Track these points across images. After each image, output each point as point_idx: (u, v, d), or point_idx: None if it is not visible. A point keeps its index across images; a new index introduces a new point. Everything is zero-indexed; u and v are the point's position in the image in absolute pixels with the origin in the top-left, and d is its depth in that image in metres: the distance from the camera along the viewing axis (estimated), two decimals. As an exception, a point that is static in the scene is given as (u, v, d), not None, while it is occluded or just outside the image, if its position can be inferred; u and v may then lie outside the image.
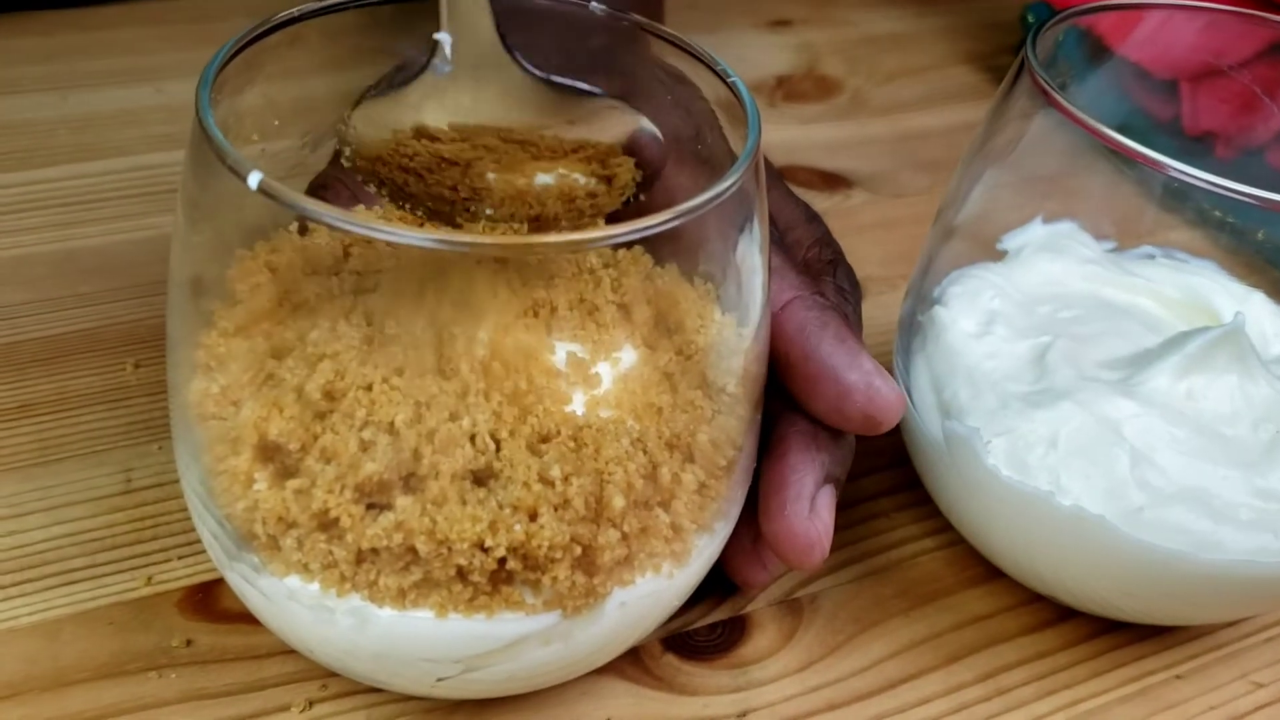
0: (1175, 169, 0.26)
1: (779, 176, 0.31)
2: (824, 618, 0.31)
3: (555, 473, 0.22)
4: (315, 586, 0.22)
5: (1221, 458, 0.28)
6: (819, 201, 0.47)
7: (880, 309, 0.39)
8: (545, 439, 0.22)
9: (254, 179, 0.20)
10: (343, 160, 0.25)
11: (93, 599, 0.29)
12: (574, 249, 0.23)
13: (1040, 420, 0.28)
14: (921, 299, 0.33)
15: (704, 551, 0.25)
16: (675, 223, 0.21)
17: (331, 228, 0.20)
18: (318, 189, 0.28)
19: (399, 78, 0.30)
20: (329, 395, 0.22)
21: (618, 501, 0.22)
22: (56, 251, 0.40)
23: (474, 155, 0.24)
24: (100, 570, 0.29)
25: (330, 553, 0.22)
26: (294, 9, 0.24)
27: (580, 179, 0.24)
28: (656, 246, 0.25)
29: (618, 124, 0.26)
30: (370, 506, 0.21)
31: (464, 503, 0.21)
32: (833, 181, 0.49)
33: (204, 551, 0.27)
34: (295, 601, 0.22)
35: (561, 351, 0.23)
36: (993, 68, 0.59)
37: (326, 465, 0.21)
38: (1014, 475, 0.28)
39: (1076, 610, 0.32)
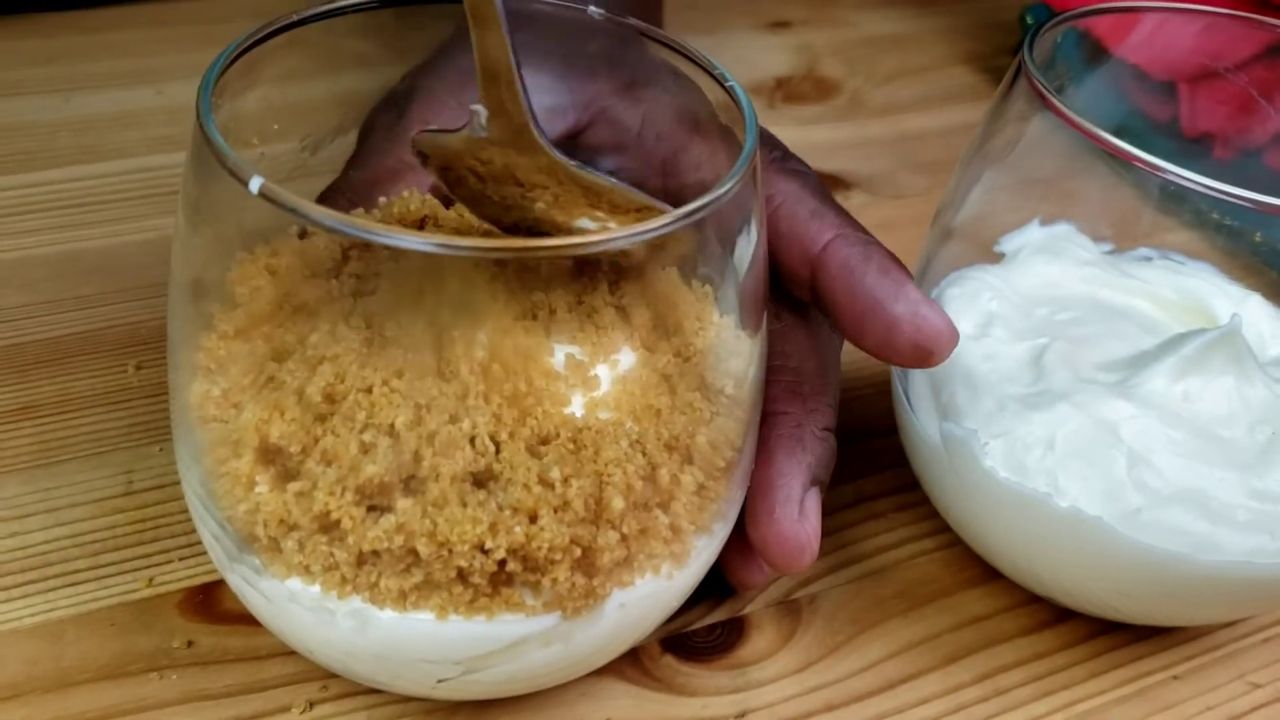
0: (1171, 172, 0.26)
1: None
2: (822, 619, 0.31)
3: (555, 475, 0.22)
4: (316, 588, 0.22)
5: (1218, 459, 0.28)
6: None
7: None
8: (544, 441, 0.22)
9: (255, 183, 0.20)
10: (414, 145, 0.25)
11: (94, 600, 0.29)
12: (572, 253, 0.23)
13: (1038, 422, 0.28)
14: (920, 301, 0.33)
15: (703, 552, 0.25)
16: (673, 227, 0.21)
17: (328, 231, 0.20)
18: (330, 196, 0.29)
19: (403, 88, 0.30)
20: (329, 398, 0.22)
21: (617, 503, 0.22)
22: (58, 253, 0.40)
23: (538, 180, 0.24)
24: (102, 572, 0.30)
25: (331, 555, 0.22)
26: (294, 13, 0.24)
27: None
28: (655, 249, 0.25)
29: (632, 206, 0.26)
30: (371, 509, 0.22)
31: (464, 505, 0.21)
32: (831, 183, 0.49)
33: (205, 553, 0.27)
34: (296, 603, 0.23)
35: (560, 354, 0.23)
36: (991, 69, 0.59)
37: (327, 468, 0.22)
38: (1012, 477, 0.28)
39: (1074, 611, 0.32)
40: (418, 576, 0.22)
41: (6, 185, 0.43)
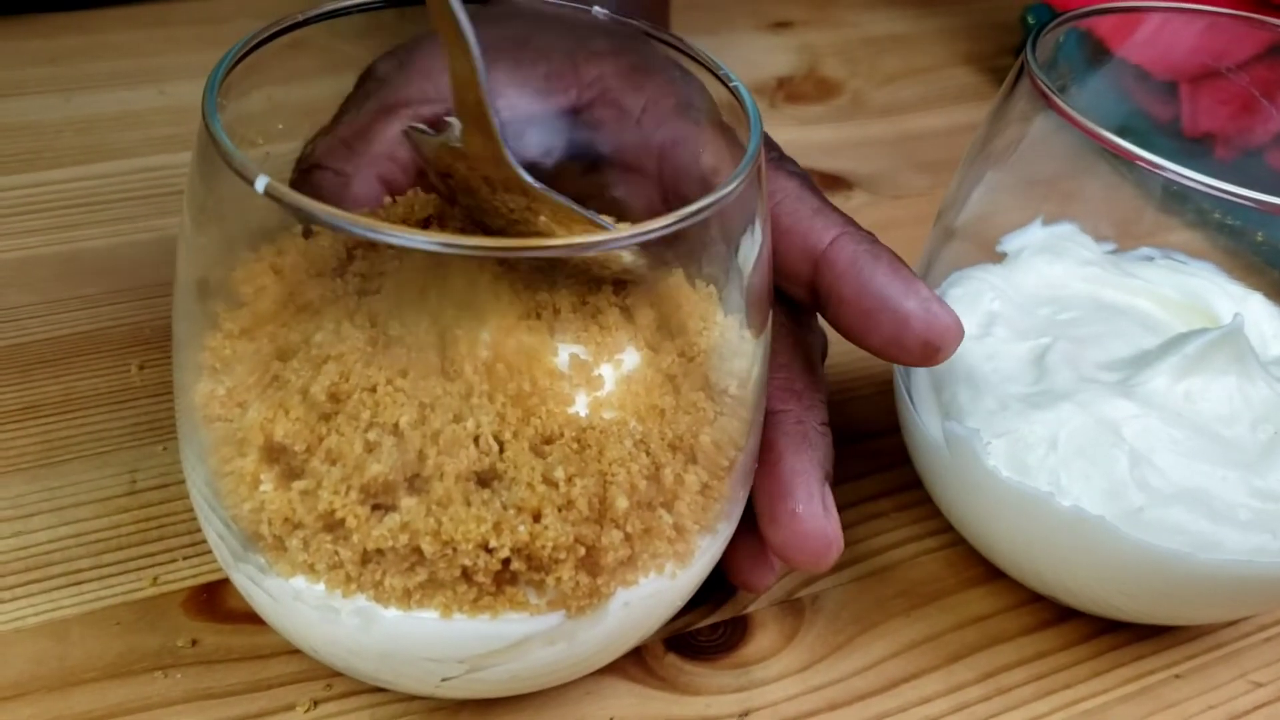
0: (1173, 172, 0.26)
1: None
2: (825, 618, 0.31)
3: (559, 474, 0.22)
4: (321, 587, 0.22)
5: (1220, 458, 0.28)
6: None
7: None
8: (548, 440, 0.22)
9: (260, 183, 0.20)
10: (421, 148, 0.25)
11: (99, 599, 0.29)
12: (577, 253, 0.23)
13: (1040, 421, 0.28)
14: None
15: (707, 551, 0.25)
16: (677, 226, 0.21)
17: (331, 229, 0.20)
18: (309, 169, 0.29)
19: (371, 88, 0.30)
20: (334, 397, 0.22)
21: (621, 502, 0.22)
22: (61, 253, 0.40)
23: (543, 194, 0.24)
24: (106, 571, 0.30)
25: (336, 553, 0.22)
26: (299, 13, 0.25)
27: (627, 255, 0.24)
28: (659, 249, 0.25)
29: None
30: (376, 507, 0.22)
31: (468, 504, 0.22)
32: (833, 183, 0.49)
33: (209, 552, 0.28)
34: (301, 602, 0.23)
35: (564, 353, 0.23)
36: (993, 69, 0.59)
37: (332, 466, 0.22)
38: (1014, 476, 0.28)
39: (1076, 610, 0.32)
40: (422, 575, 0.22)
41: (9, 185, 0.43)
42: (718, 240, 0.23)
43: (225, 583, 0.29)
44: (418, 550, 0.22)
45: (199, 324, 0.23)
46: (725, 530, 0.26)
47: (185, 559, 0.30)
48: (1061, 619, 0.32)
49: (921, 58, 0.60)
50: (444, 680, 0.24)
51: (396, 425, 0.22)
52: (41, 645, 0.28)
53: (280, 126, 0.26)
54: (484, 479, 0.22)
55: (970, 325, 0.31)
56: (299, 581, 0.22)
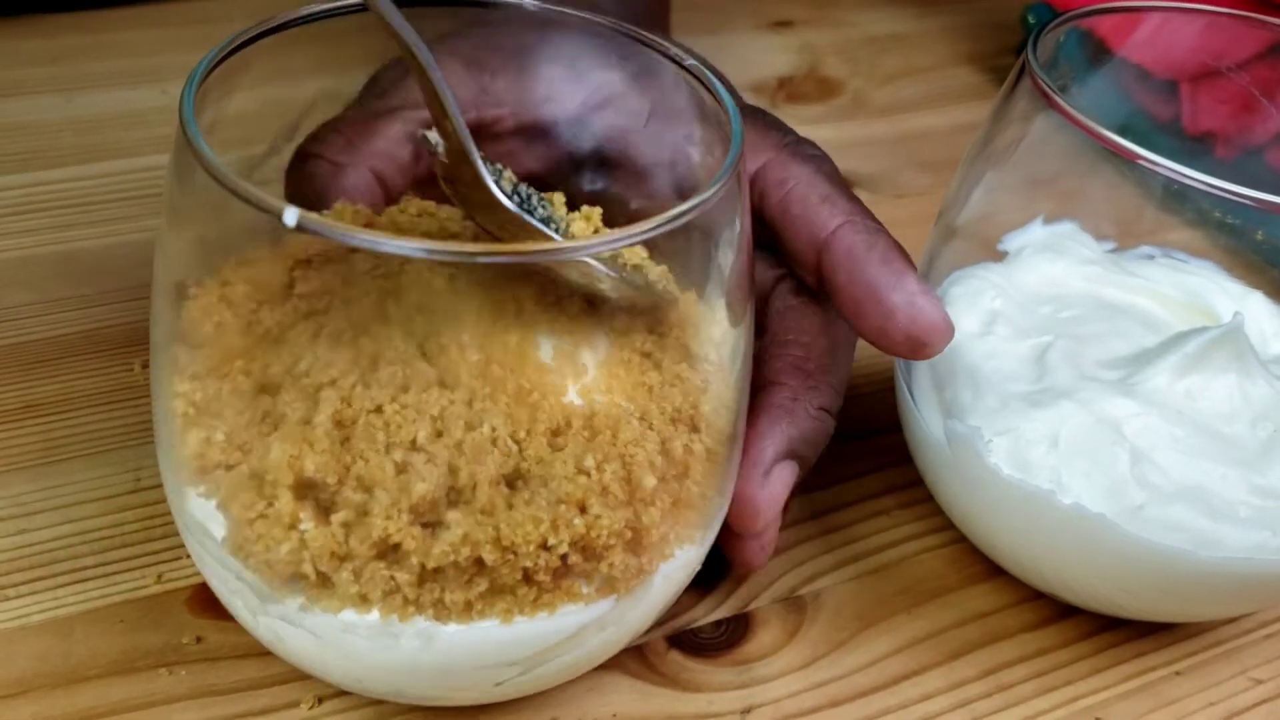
0: (1173, 170, 0.27)
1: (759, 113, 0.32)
2: (827, 615, 0.31)
3: (589, 463, 0.22)
4: (374, 616, 0.22)
5: (1220, 456, 0.28)
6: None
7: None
8: (557, 433, 0.22)
9: (290, 216, 0.19)
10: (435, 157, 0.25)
11: (103, 597, 0.29)
12: (562, 257, 0.22)
13: (1041, 419, 0.28)
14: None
15: (720, 514, 0.26)
16: (657, 231, 0.21)
17: (376, 253, 0.20)
18: (305, 157, 0.28)
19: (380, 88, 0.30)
20: (340, 424, 0.22)
21: (648, 481, 0.22)
22: (61, 253, 0.40)
23: (516, 215, 0.24)
24: (110, 569, 0.30)
25: (392, 578, 0.21)
26: (279, 15, 0.24)
27: (604, 281, 0.24)
28: (636, 250, 0.26)
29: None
30: (424, 526, 0.21)
31: (510, 507, 0.22)
32: (834, 182, 0.49)
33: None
34: (352, 634, 0.22)
35: (546, 346, 0.23)
36: (994, 68, 0.59)
37: (367, 494, 0.21)
38: (1015, 474, 0.28)
39: (1077, 607, 0.32)
40: (482, 585, 0.22)
41: (10, 185, 0.43)
42: (697, 243, 0.23)
43: (228, 580, 0.29)
44: (478, 561, 0.21)
45: (167, 368, 0.23)
46: (730, 493, 0.26)
47: (189, 556, 0.30)
48: (1062, 616, 0.32)
49: (922, 57, 0.60)
50: (497, 685, 0.24)
51: (414, 442, 0.21)
52: (45, 643, 0.28)
53: (261, 128, 0.26)
54: (510, 480, 0.22)
55: (971, 324, 0.31)
56: (348, 614, 0.22)
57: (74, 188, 0.43)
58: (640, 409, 0.23)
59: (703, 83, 0.25)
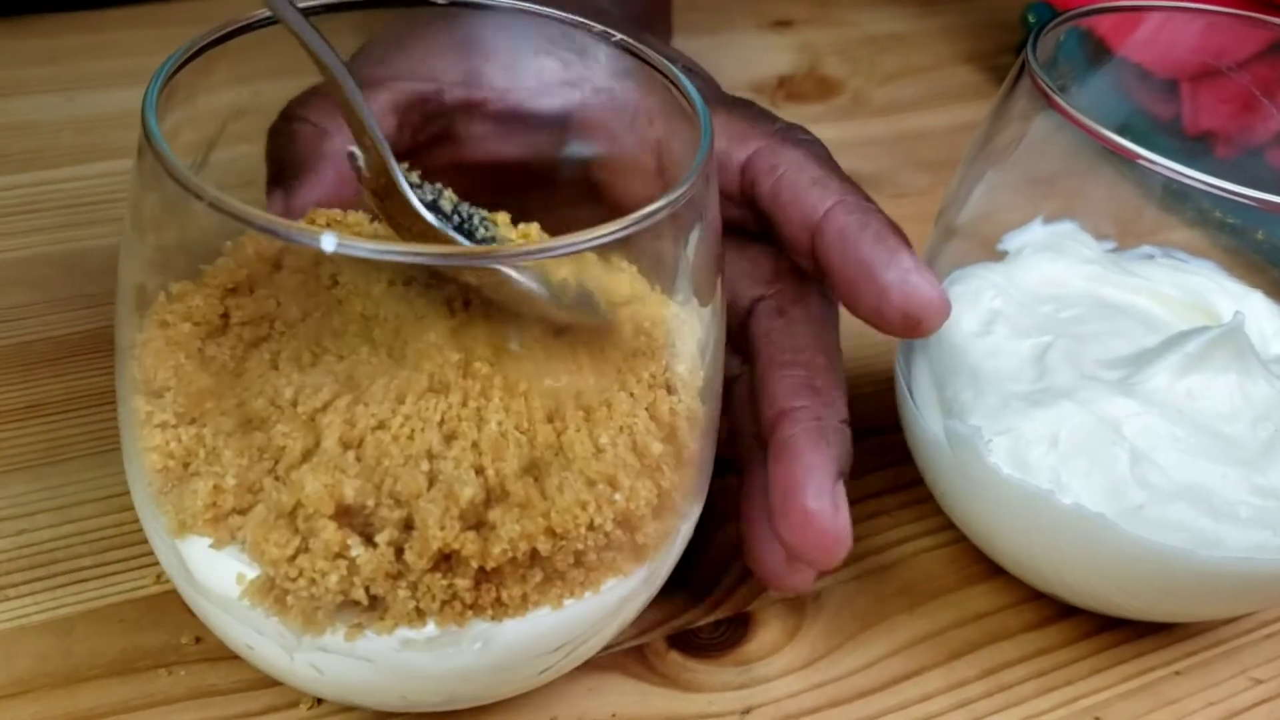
0: (1173, 170, 0.27)
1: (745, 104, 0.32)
2: (827, 615, 0.31)
3: (604, 440, 0.22)
4: (431, 627, 0.22)
5: (1221, 456, 0.28)
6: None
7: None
8: (553, 417, 0.22)
9: (328, 242, 0.19)
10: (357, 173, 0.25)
11: (102, 597, 0.29)
12: (528, 258, 0.22)
13: (1041, 419, 0.28)
14: (923, 299, 0.33)
15: (709, 469, 0.26)
16: (624, 232, 0.21)
17: (429, 264, 0.20)
18: (290, 119, 0.28)
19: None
20: (347, 445, 0.21)
21: (655, 447, 0.23)
22: (63, 252, 0.40)
23: (438, 231, 0.24)
24: (110, 569, 0.30)
25: (449, 586, 0.21)
26: (246, 16, 0.24)
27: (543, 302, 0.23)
28: (604, 249, 0.25)
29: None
30: (470, 529, 0.21)
31: (544, 496, 0.22)
32: (834, 181, 0.49)
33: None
34: (409, 650, 0.22)
35: (510, 335, 0.23)
36: (993, 68, 0.59)
37: (405, 509, 0.21)
38: (1015, 474, 0.28)
39: (1077, 607, 0.32)
40: (537, 576, 0.22)
41: (10, 184, 0.43)
42: (667, 238, 0.23)
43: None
44: (532, 553, 0.22)
45: (131, 423, 0.23)
46: (714, 450, 0.26)
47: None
48: (1062, 616, 0.32)
49: (922, 57, 0.60)
50: (542, 672, 0.25)
51: (430, 451, 0.21)
52: (45, 643, 0.28)
53: (228, 130, 0.25)
54: (528, 470, 0.22)
55: (971, 323, 0.31)
56: (403, 632, 0.22)
57: (74, 187, 0.43)
58: (619, 381, 0.23)
59: (672, 82, 0.25)
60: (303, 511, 0.21)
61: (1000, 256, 0.34)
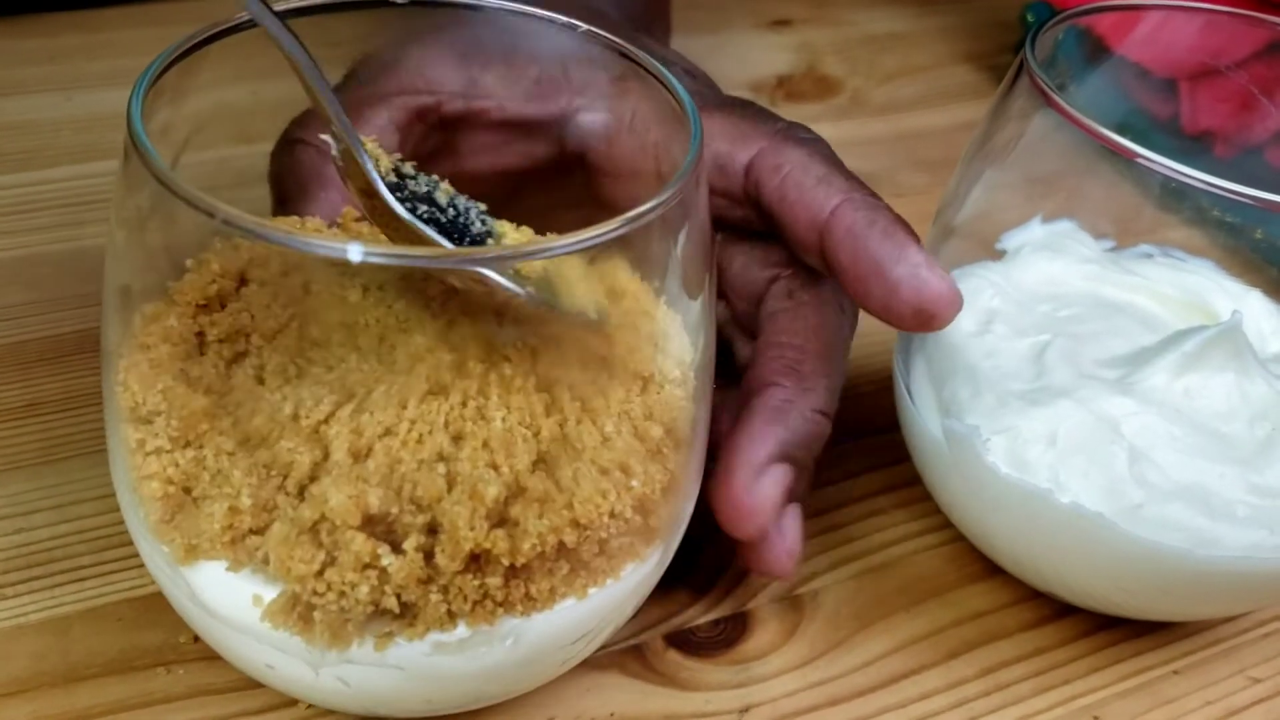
0: (1172, 169, 0.27)
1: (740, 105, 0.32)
2: (825, 614, 0.31)
3: (610, 429, 0.22)
4: (462, 629, 0.22)
5: (1218, 455, 0.28)
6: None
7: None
8: (550, 411, 0.22)
9: (355, 252, 0.19)
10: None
11: (100, 596, 0.29)
12: (517, 260, 0.22)
13: (1039, 418, 0.28)
14: (921, 298, 0.33)
15: (703, 452, 0.26)
16: (614, 234, 0.21)
17: (474, 278, 0.20)
18: (292, 142, 0.28)
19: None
20: (357, 456, 0.21)
21: (655, 430, 0.23)
22: (61, 251, 0.40)
23: (410, 225, 0.24)
24: (108, 567, 0.30)
25: (481, 585, 0.21)
26: (232, 18, 0.24)
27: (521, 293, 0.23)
28: (594, 250, 0.25)
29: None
30: (494, 528, 0.21)
31: (560, 488, 0.22)
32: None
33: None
34: (441, 654, 0.22)
35: (498, 330, 0.23)
36: (992, 67, 0.59)
37: (427, 513, 0.21)
38: (1013, 473, 0.28)
39: (1075, 606, 0.32)
40: (564, 568, 0.22)
41: (9, 184, 0.43)
42: (657, 240, 0.23)
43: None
44: (559, 545, 0.22)
45: (122, 453, 0.22)
46: (705, 438, 0.26)
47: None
48: (1060, 615, 0.32)
49: (921, 56, 0.60)
50: (563, 662, 0.25)
51: (441, 454, 0.21)
52: (43, 642, 0.28)
53: (216, 131, 0.25)
54: (535, 465, 0.22)
55: (970, 322, 0.31)
56: (435, 636, 0.22)
57: (74, 187, 0.43)
58: (608, 371, 0.23)
59: (663, 84, 0.25)
60: (326, 525, 0.21)
61: (999, 255, 0.34)
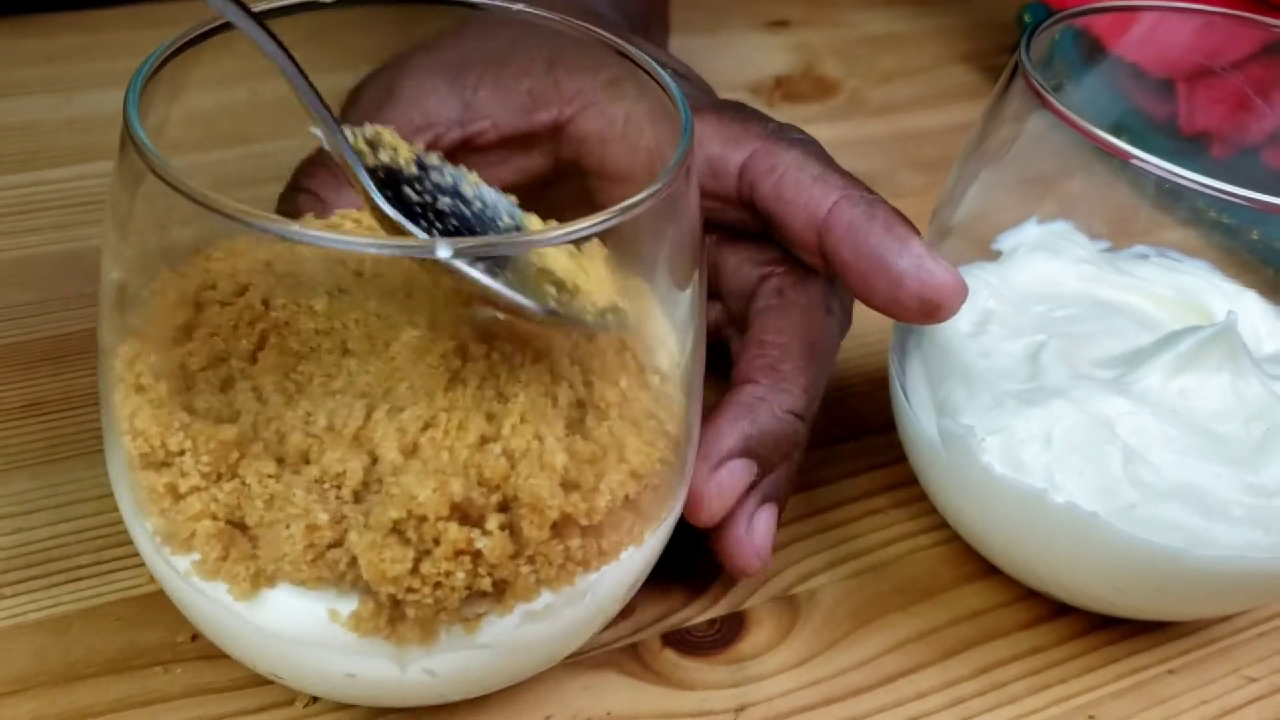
0: (1168, 170, 0.27)
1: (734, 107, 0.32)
2: (821, 613, 0.31)
3: (624, 384, 0.23)
4: (546, 594, 0.23)
5: (1213, 455, 0.28)
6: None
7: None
8: (547, 391, 0.23)
9: (443, 250, 0.19)
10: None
11: (99, 595, 0.29)
12: (512, 250, 0.22)
13: (1034, 418, 0.28)
14: (918, 298, 0.33)
15: (695, 437, 0.27)
16: (604, 225, 0.21)
17: (505, 302, 0.21)
18: (294, 190, 0.29)
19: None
20: (406, 452, 0.22)
21: (655, 380, 0.23)
22: (61, 252, 0.40)
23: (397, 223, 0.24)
24: (107, 567, 0.30)
25: (564, 549, 0.22)
26: (218, 19, 0.24)
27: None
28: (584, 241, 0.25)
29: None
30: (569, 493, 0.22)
31: (604, 448, 0.22)
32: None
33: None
34: (528, 623, 0.23)
35: (484, 310, 0.23)
36: (990, 68, 0.59)
37: (496, 491, 0.21)
38: (1008, 473, 0.28)
39: (1070, 606, 0.32)
40: (628, 519, 0.23)
41: (9, 184, 0.43)
42: (645, 235, 0.23)
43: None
44: (625, 498, 0.23)
45: (154, 497, 0.22)
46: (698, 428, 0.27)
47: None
48: (1056, 615, 0.32)
49: (919, 57, 0.60)
50: (619, 610, 0.26)
51: (483, 435, 0.22)
52: (43, 641, 0.28)
53: (212, 132, 0.25)
54: (570, 428, 0.23)
55: (965, 322, 0.31)
56: (521, 607, 0.22)
57: (73, 187, 0.43)
58: (581, 359, 0.24)
59: (658, 82, 0.25)
60: (411, 522, 0.21)
61: (994, 256, 0.34)
